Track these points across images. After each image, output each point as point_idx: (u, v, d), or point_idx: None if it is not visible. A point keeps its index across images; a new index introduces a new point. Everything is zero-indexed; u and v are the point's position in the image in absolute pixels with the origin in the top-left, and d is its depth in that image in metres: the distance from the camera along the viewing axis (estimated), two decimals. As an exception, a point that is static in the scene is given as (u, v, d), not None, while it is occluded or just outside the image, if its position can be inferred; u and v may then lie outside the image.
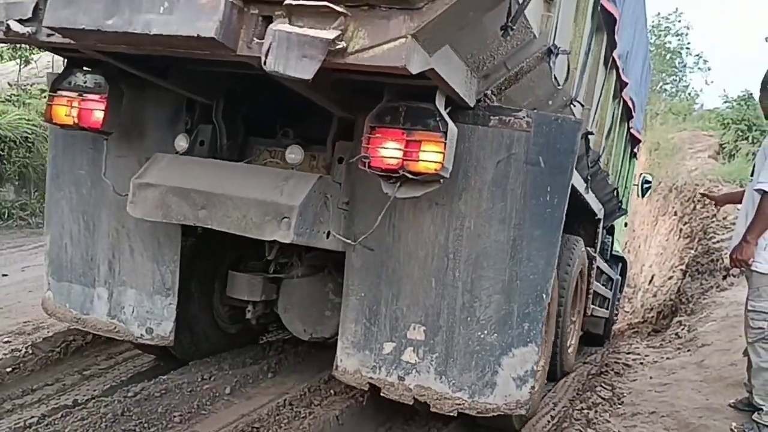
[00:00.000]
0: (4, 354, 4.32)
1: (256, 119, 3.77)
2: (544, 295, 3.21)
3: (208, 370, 4.52)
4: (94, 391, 4.17)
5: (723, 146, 13.55)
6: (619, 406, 4.12)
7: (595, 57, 4.53)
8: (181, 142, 3.65)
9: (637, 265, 12.78)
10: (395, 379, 3.37)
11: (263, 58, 2.34)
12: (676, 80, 27.55)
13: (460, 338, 3.26)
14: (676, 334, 6.00)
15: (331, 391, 4.18)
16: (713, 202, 4.38)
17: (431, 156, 2.86)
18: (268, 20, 2.44)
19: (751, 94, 13.49)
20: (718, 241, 7.88)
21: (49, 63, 13.00)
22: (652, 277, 10.69)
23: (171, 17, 2.43)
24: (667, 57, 26.50)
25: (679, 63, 27.42)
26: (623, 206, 7.10)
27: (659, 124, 18.35)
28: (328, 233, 3.32)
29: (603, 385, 4.61)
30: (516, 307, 3.19)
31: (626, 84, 5.70)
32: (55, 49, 3.35)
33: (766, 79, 3.84)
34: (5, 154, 8.44)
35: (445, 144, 2.85)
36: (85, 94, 3.49)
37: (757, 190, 3.58)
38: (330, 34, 2.31)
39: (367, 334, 3.43)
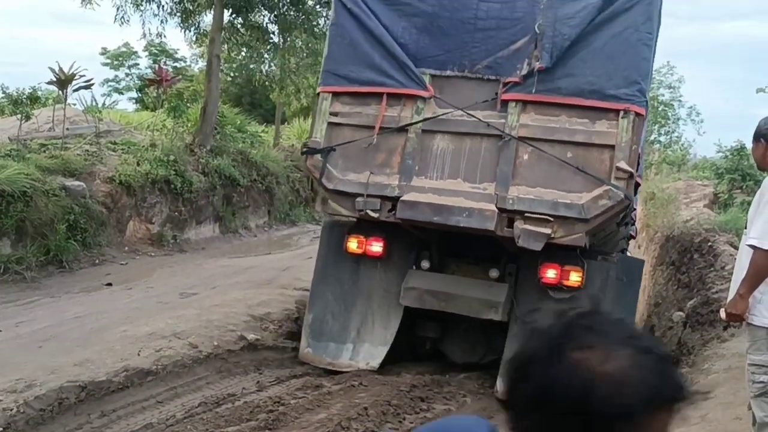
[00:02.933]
0: (-4, 413, 4.25)
1: (448, 248, 6.39)
2: None
3: (205, 427, 4.44)
4: (87, 450, 4.09)
5: (718, 196, 13.61)
6: (623, 462, 4.01)
7: None
8: (425, 264, 6.31)
9: (636, 315, 12.69)
10: None
11: (516, 240, 5.35)
12: (669, 131, 27.92)
13: None
14: (679, 386, 5.92)
15: (329, 450, 4.10)
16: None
17: (576, 278, 5.77)
18: (511, 220, 5.42)
19: (744, 144, 13.61)
20: (716, 292, 7.84)
21: (49, 118, 13.17)
22: (652, 327, 10.61)
23: (471, 219, 5.41)
24: (660, 109, 26.89)
25: (672, 115, 27.83)
26: None
27: (654, 174, 18.49)
28: (505, 313, 5.97)
29: (606, 440, 4.52)
30: None
31: (634, 209, 8.83)
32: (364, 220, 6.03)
33: (758, 129, 3.90)
34: (3, 208, 8.45)
35: (584, 272, 5.77)
36: (369, 237, 6.21)
37: (749, 245, 3.59)
38: (547, 230, 5.31)
39: None
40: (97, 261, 9.89)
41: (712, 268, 8.88)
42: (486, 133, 5.60)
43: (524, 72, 5.52)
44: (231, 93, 37.08)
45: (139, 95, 36.99)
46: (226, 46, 16.30)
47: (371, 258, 6.27)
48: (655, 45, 5.86)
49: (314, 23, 16.29)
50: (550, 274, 5.76)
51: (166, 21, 15.16)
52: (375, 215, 5.69)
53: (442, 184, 5.61)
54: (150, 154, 11.99)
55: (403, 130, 5.75)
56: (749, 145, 13.97)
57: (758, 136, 3.89)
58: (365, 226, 6.15)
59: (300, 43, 17.03)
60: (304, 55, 17.52)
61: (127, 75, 41.12)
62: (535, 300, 5.94)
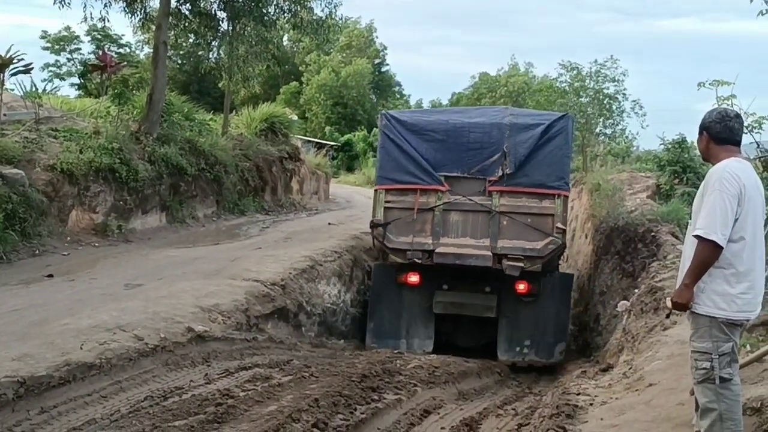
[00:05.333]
0: (-73, 411, 4.05)
1: (457, 276, 9.70)
2: (569, 327, 10.35)
3: (151, 421, 4.34)
4: (25, 448, 3.94)
5: (660, 187, 13.96)
6: (571, 449, 4.09)
7: None
8: (445, 286, 9.73)
9: (581, 303, 12.97)
10: (521, 359, 9.54)
11: (504, 270, 9.33)
12: (614, 124, 28.46)
13: (542, 342, 9.61)
14: (624, 373, 6.05)
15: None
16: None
17: (535, 288, 9.66)
18: (500, 259, 9.37)
19: (685, 137, 13.99)
20: (660, 280, 8.05)
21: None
22: (597, 316, 10.86)
23: (478, 260, 9.28)
24: (605, 102, 27.39)
25: (616, 107, 28.37)
26: None
27: (599, 165, 18.85)
28: (496, 312, 9.69)
29: (555, 428, 4.60)
30: (559, 330, 9.73)
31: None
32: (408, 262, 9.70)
33: (702, 122, 4.00)
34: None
35: (540, 284, 9.70)
36: (410, 273, 9.70)
37: (694, 236, 3.68)
38: (521, 264, 9.33)
39: (509, 346, 9.64)
40: (37, 252, 9.56)
41: (655, 258, 9.12)
42: (481, 210, 9.48)
43: (500, 174, 9.44)
44: (178, 80, 36.36)
45: (82, 81, 35.93)
46: (173, 32, 15.91)
47: (411, 285, 9.75)
48: (571, 153, 10.76)
49: (264, 11, 16.03)
50: (521, 287, 9.52)
51: (110, 5, 14.70)
52: (419, 261, 9.44)
53: (458, 241, 9.44)
54: (94, 142, 11.63)
55: (431, 209, 9.57)
56: (690, 138, 14.14)
57: (701, 128, 4.01)
58: (407, 267, 9.64)
59: (249, 30, 16.73)
60: (253, 42, 17.21)
61: (68, 60, 39.90)
62: (512, 303, 9.66)
